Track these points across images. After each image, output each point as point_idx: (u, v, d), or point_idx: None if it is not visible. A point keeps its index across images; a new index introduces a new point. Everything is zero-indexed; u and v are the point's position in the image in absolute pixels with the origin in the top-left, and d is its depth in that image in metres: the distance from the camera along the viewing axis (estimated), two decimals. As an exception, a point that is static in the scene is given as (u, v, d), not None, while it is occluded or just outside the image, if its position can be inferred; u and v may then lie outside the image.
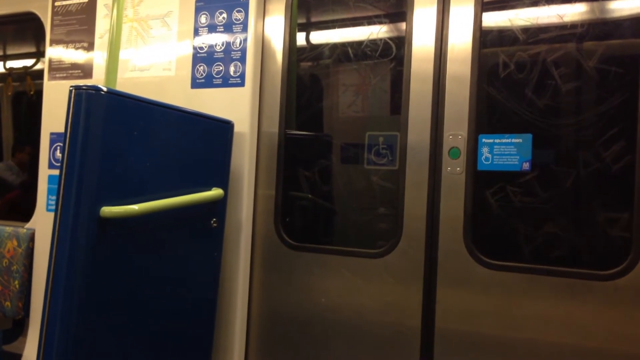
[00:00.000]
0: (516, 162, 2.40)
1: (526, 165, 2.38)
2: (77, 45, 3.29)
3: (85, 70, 3.26)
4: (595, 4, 2.37)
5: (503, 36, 2.50)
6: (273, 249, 2.87)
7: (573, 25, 2.37)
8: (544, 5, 2.42)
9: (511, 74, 2.45)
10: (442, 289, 2.50)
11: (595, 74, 2.34)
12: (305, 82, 3.03)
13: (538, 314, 2.33)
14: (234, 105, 2.84)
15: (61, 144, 2.08)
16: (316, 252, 2.79)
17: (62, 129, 2.06)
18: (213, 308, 2.72)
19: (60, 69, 3.34)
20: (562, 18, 2.39)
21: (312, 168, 2.90)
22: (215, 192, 2.60)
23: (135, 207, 2.16)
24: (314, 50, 3.02)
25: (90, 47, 3.25)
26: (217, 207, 2.66)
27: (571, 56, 2.38)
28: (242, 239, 2.83)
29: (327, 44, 2.95)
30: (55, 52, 3.37)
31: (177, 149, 2.45)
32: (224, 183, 2.68)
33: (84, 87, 2.05)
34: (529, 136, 2.38)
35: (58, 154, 3.25)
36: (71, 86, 2.07)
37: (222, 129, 2.71)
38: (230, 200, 2.77)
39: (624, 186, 2.23)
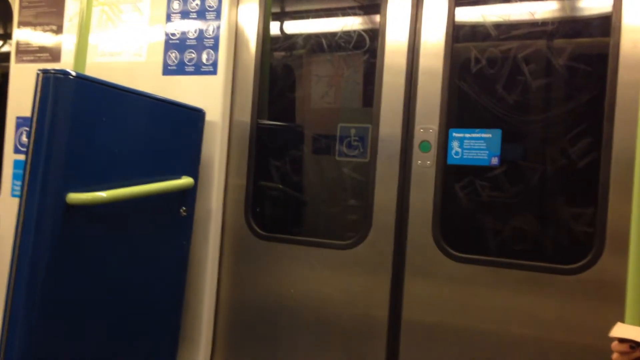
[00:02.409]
0: (485, 157, 2.42)
1: (495, 160, 2.41)
2: (46, 28, 3.22)
3: (54, 54, 3.20)
4: (566, 2, 2.41)
5: (475, 31, 2.52)
6: (242, 239, 2.86)
7: (544, 23, 2.40)
8: (516, 1, 2.44)
9: (482, 69, 2.48)
10: (410, 280, 2.53)
11: (565, 72, 2.38)
12: (279, 71, 3.01)
13: (503, 306, 2.37)
14: (205, 94, 2.82)
15: (27, 129, 2.04)
16: (286, 242, 2.79)
17: (28, 113, 2.02)
18: (181, 297, 2.71)
19: (27, 52, 3.27)
20: (533, 15, 2.42)
21: (283, 158, 2.90)
22: (185, 180, 2.58)
23: (103, 194, 2.13)
24: (287, 40, 3.01)
25: (59, 30, 3.19)
26: (187, 196, 2.64)
27: (541, 53, 2.41)
28: (211, 228, 2.81)
29: (301, 34, 2.94)
30: (22, 35, 3.29)
31: (147, 136, 2.43)
32: (194, 172, 2.66)
33: (51, 71, 2.01)
34: (499, 131, 2.41)
35: (24, 139, 3.19)
36: (39, 70, 2.03)
37: (193, 117, 2.69)
38: (201, 189, 2.75)
39: (589, 182, 2.28)
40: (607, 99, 2.23)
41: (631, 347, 1.32)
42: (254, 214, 2.86)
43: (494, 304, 2.38)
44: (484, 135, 2.43)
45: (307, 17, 2.95)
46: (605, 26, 2.29)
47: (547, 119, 2.40)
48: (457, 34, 2.51)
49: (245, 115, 2.87)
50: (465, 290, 2.43)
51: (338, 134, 2.78)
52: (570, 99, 2.36)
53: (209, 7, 2.85)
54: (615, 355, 1.36)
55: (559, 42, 2.39)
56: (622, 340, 1.34)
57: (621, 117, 2.20)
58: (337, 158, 2.78)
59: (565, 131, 2.35)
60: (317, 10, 2.93)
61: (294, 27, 3.02)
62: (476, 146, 2.44)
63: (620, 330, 1.38)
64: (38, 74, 2.02)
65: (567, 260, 2.28)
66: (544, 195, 2.46)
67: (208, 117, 2.74)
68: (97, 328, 2.26)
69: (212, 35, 2.83)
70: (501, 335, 2.37)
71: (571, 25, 2.40)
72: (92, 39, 2.90)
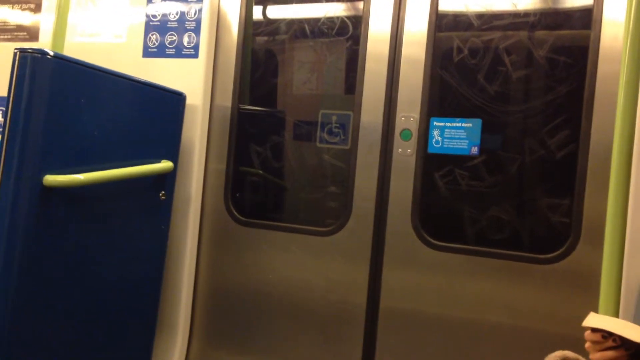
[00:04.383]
0: (465, 146, 2.44)
1: (474, 150, 2.43)
2: (24, 6, 3.16)
3: (32, 33, 3.14)
4: (548, -6, 2.42)
5: (458, 21, 2.52)
6: (222, 224, 2.85)
7: (526, 14, 2.41)
8: (499, -8, 2.45)
9: (464, 59, 2.49)
10: (388, 268, 2.54)
11: (545, 63, 2.39)
12: (260, 56, 2.99)
13: (479, 294, 2.40)
14: (186, 77, 2.79)
15: (4, 109, 2.01)
16: (265, 228, 2.79)
17: (5, 93, 1.99)
18: (159, 282, 2.70)
19: (5, 31, 3.21)
20: (515, 6, 2.43)
21: (264, 144, 2.89)
22: (165, 164, 2.56)
23: (81, 177, 2.10)
24: (270, 24, 2.98)
25: (37, 8, 3.13)
26: (166, 180, 2.62)
27: (523, 44, 2.43)
28: (190, 212, 2.80)
29: (283, 19, 2.92)
30: (0, 13, 3.23)
31: (126, 119, 2.40)
32: (174, 156, 2.64)
33: (29, 50, 1.98)
34: (479, 121, 2.43)
35: (0, 119, 3.13)
36: (16, 48, 1.99)
37: (173, 100, 2.66)
38: (180, 173, 2.73)
39: (567, 173, 2.31)
40: (587, 91, 2.25)
41: (603, 337, 1.34)
42: (234, 200, 2.85)
43: (470, 292, 2.41)
44: (464, 124, 2.44)
45: (290, 2, 2.92)
46: (587, 19, 2.31)
47: (527, 110, 2.42)
48: (440, 23, 2.52)
49: (226, 99, 2.85)
50: (443, 278, 2.45)
51: (319, 120, 2.77)
52: (550, 90, 2.38)
53: (191, -11, 2.82)
54: (588, 344, 1.38)
55: (540, 33, 2.41)
56: (594, 330, 1.36)
57: (600, 110, 2.23)
58: (318, 145, 2.78)
59: (545, 122, 2.37)
60: (300, -5, 2.91)
61: (276, 11, 3.00)
62: (456, 135, 2.45)
63: (593, 320, 1.40)
64: (15, 53, 1.98)
65: (543, 249, 2.32)
66: (522, 186, 2.49)
67: (189, 101, 2.72)
68: (73, 312, 2.23)
69: (193, 18, 2.80)
70: (477, 323, 2.40)
71: (553, 17, 2.41)
72: (71, 18, 2.84)
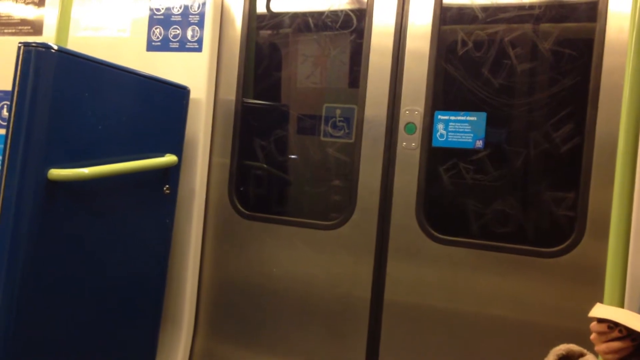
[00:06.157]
0: (470, 140, 2.43)
1: (479, 143, 2.42)
2: (28, 0, 3.16)
3: (36, 27, 3.14)
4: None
5: (463, 14, 2.51)
6: (226, 218, 2.85)
7: (531, 6, 2.40)
8: (504, -16, 2.44)
9: (469, 52, 2.47)
10: (393, 261, 2.54)
11: (550, 56, 2.38)
12: (264, 50, 2.98)
13: (483, 288, 2.40)
14: (190, 71, 2.79)
15: (8, 103, 2.01)
16: (269, 222, 2.79)
17: (9, 87, 1.99)
18: (163, 276, 2.70)
19: (9, 24, 3.21)
20: (521, -1, 2.42)
21: (268, 138, 2.88)
22: (169, 158, 2.56)
23: (85, 171, 2.10)
24: (274, 18, 2.97)
25: (41, 2, 3.12)
26: (171, 174, 2.62)
27: (528, 37, 2.42)
28: (195, 206, 2.80)
29: (287, 13, 2.91)
30: (4, 7, 3.22)
31: (130, 112, 2.40)
32: (178, 150, 2.64)
33: (33, 44, 1.98)
34: (484, 114, 2.42)
35: (5, 113, 3.14)
36: (20, 42, 1.99)
37: (177, 94, 2.66)
38: (184, 167, 2.73)
39: (571, 167, 2.30)
40: (592, 84, 2.24)
41: (609, 327, 1.34)
42: (238, 193, 2.85)
43: (475, 286, 2.41)
44: (469, 118, 2.44)
45: (294, -5, 2.92)
46: (592, 11, 2.29)
47: (532, 103, 2.41)
48: (445, 16, 2.51)
49: (230, 93, 2.85)
50: (447, 272, 2.45)
51: (323, 114, 2.77)
52: (555, 83, 2.36)
53: (195, -18, 2.81)
54: (593, 336, 1.38)
55: (545, 26, 2.40)
56: (600, 321, 1.36)
57: (605, 103, 2.22)
58: (322, 138, 2.77)
59: (550, 116, 2.36)
60: (304, -11, 2.90)
61: (280, 5, 2.99)
62: (461, 129, 2.44)
63: (599, 310, 1.39)
64: (19, 47, 1.98)
65: (548, 243, 2.31)
66: (526, 179, 2.48)
67: (193, 95, 2.72)
68: (78, 307, 2.24)
69: (197, 12, 2.80)
70: (482, 317, 2.40)
71: (558, 10, 2.40)
72: (75, 12, 2.85)
